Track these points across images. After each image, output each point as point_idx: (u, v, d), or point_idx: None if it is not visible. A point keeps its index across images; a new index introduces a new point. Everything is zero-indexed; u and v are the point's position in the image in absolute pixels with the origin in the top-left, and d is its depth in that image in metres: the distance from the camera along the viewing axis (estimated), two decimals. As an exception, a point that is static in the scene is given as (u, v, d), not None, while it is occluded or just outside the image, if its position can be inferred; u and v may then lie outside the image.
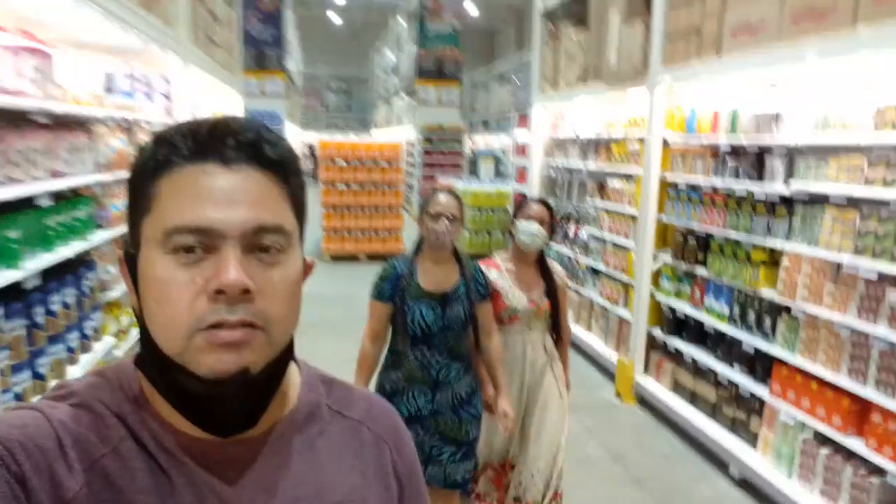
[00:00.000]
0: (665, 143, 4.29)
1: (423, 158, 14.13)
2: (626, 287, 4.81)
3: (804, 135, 3.18)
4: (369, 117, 28.62)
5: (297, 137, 18.91)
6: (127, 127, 3.34)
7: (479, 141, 18.43)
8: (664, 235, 4.41)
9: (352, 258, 9.59)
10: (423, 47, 14.47)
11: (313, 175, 9.38)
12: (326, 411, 0.73)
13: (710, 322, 3.83)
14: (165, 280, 0.57)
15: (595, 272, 5.42)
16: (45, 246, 2.43)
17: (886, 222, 2.69)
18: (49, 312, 2.38)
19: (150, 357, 0.62)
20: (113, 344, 3.02)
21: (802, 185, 3.14)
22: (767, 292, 3.35)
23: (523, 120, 7.25)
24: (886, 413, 2.68)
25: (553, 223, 2.72)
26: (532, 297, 2.68)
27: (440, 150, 14.03)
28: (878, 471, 2.73)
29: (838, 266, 2.94)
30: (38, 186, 2.34)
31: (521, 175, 7.22)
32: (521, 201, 2.80)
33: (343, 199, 9.56)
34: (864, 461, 2.81)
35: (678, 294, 4.22)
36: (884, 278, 2.71)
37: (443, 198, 2.34)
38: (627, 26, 4.54)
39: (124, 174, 3.14)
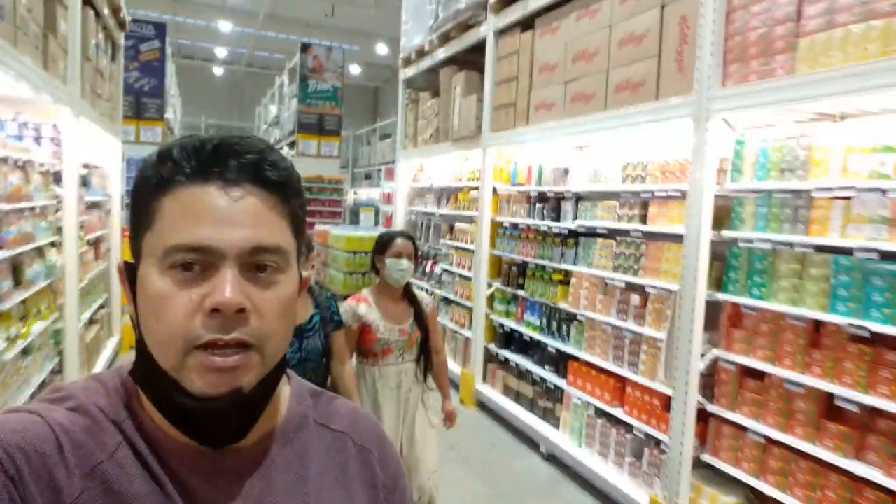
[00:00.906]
0: (495, 191, 5.31)
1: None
2: (470, 311, 5.71)
3: (583, 185, 4.26)
4: (251, 168, 28.58)
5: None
6: (21, 166, 3.78)
7: (362, 192, 19.24)
8: (497, 266, 5.37)
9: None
10: (304, 103, 15.22)
11: None
12: (313, 424, 0.74)
13: (528, 333, 4.78)
14: (163, 296, 0.58)
15: (447, 301, 6.30)
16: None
17: (630, 246, 3.75)
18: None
19: (145, 368, 0.63)
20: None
21: (583, 222, 4.20)
22: (564, 305, 4.35)
23: (390, 173, 8.17)
24: (635, 385, 3.68)
25: (417, 253, 2.82)
26: (403, 328, 2.74)
27: (320, 200, 14.68)
28: (631, 429, 3.70)
29: (604, 281, 3.97)
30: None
31: (388, 220, 8.08)
32: (383, 237, 2.81)
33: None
34: (624, 423, 3.78)
35: (507, 313, 5.16)
36: (629, 287, 3.76)
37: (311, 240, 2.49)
38: (466, 99, 5.59)
39: (22, 204, 3.60)
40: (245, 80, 26.95)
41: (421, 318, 2.79)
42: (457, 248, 6.10)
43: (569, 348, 4.29)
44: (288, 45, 20.14)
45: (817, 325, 2.72)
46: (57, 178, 4.27)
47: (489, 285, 5.34)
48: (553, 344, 4.46)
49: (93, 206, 5.57)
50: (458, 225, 6.16)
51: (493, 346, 5.29)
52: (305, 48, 15.32)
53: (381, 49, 19.98)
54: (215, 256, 0.59)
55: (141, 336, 0.63)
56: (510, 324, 5.05)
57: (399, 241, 2.74)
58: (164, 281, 0.59)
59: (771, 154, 2.89)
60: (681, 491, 3.14)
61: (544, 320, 4.59)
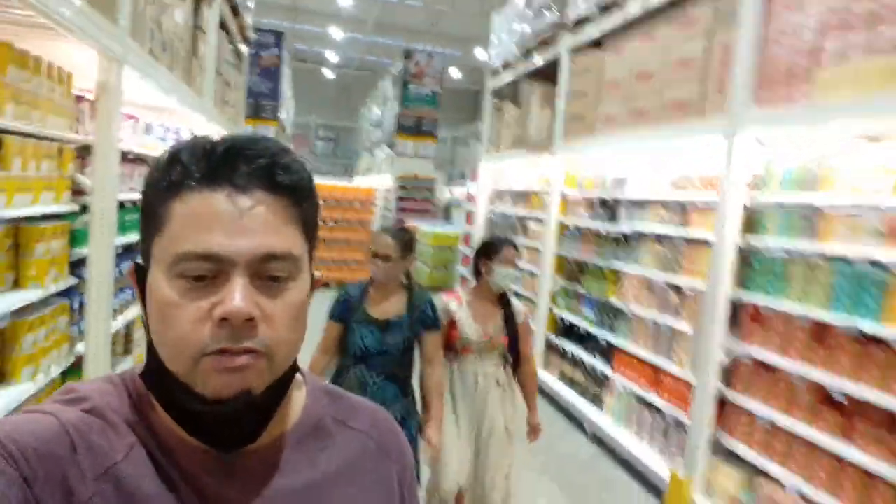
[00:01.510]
0: (563, 195, 5.77)
1: (398, 203, 15.61)
2: (535, 304, 6.20)
3: (637, 193, 4.66)
4: (353, 164, 30.31)
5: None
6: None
7: (457, 191, 20.00)
8: (561, 264, 5.83)
9: (324, 285, 10.87)
10: (404, 106, 16.14)
11: None
12: (331, 423, 0.74)
13: (584, 325, 5.22)
14: (172, 303, 0.58)
15: (516, 295, 6.80)
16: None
17: (672, 249, 4.13)
18: None
19: (155, 371, 0.63)
20: None
21: (635, 226, 4.61)
22: (614, 300, 4.77)
23: (474, 174, 8.77)
24: (668, 374, 4.07)
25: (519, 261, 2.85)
26: (487, 331, 2.78)
27: (413, 197, 15.55)
28: (661, 413, 4.09)
29: (649, 279, 4.36)
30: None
31: (469, 218, 8.69)
32: (492, 242, 2.86)
33: (320, 234, 10.91)
34: (657, 409, 4.17)
35: (568, 307, 5.61)
36: (669, 285, 4.14)
37: (381, 239, 2.51)
38: (541, 109, 6.09)
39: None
40: (353, 82, 28.54)
41: (511, 325, 2.82)
42: (528, 247, 6.60)
43: (616, 339, 4.70)
44: (393, 50, 21.26)
45: (821, 325, 3.03)
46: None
47: (553, 281, 5.81)
48: (602, 335, 4.88)
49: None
50: (530, 225, 6.66)
51: (553, 337, 5.76)
52: (408, 55, 16.23)
53: (481, 54, 20.63)
54: (225, 264, 0.58)
55: (150, 339, 0.62)
56: (570, 317, 5.51)
57: (507, 248, 2.79)
58: (173, 288, 0.59)
59: (794, 171, 3.22)
60: (698, 467, 3.52)
61: (597, 314, 5.02)
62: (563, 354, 5.60)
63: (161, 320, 0.59)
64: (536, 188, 6.54)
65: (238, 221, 0.59)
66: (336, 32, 20.10)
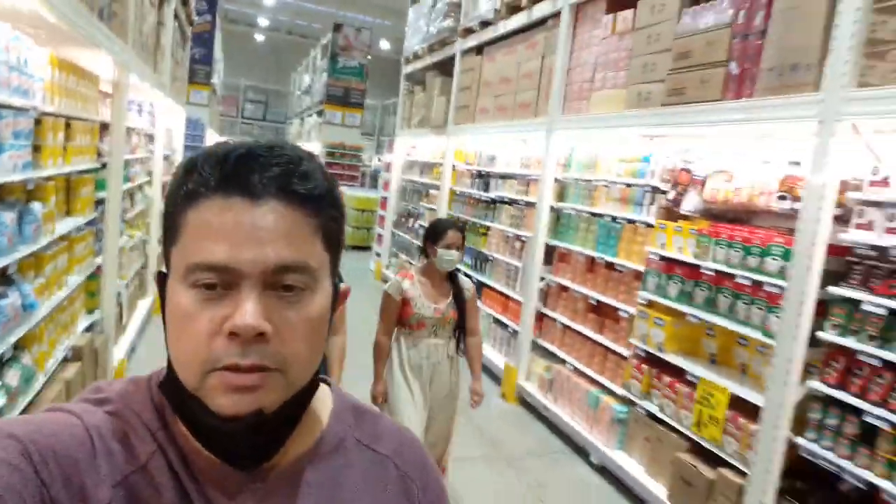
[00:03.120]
0: (454, 168, 7.27)
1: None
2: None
3: (504, 168, 6.21)
4: (284, 128, 30.86)
5: (214, 141, 21.05)
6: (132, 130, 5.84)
7: (386, 159, 21.21)
8: (451, 223, 7.36)
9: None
10: (333, 77, 17.16)
11: None
12: (354, 444, 0.72)
13: (465, 270, 6.77)
14: (186, 314, 0.58)
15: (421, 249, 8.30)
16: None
17: (519, 211, 5.70)
18: None
19: (172, 383, 0.62)
20: None
21: (499, 194, 6.16)
22: (484, 250, 6.34)
23: (391, 146, 10.14)
24: (512, 299, 5.68)
25: (464, 242, 3.00)
26: (438, 307, 2.95)
27: (341, 164, 16.74)
28: (507, 327, 5.71)
29: (504, 233, 5.94)
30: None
31: (386, 185, 10.09)
32: (436, 226, 2.99)
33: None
34: (504, 325, 5.78)
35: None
36: (516, 236, 5.72)
37: None
38: (440, 97, 7.52)
39: (137, 155, 5.66)
40: (284, 46, 28.89)
41: (460, 301, 3.01)
42: (428, 209, 8.10)
43: (486, 280, 6.29)
44: (324, 17, 22.01)
45: (592, 259, 4.68)
46: (150, 138, 6.36)
47: (444, 236, 7.35)
48: (478, 277, 6.47)
49: (165, 157, 7.67)
50: (431, 191, 8.15)
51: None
52: (337, 28, 17.19)
53: (408, 29, 21.66)
54: (236, 276, 0.57)
55: (168, 349, 0.62)
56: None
57: (450, 233, 2.91)
58: (187, 298, 0.58)
59: (583, 159, 4.83)
60: (522, 360, 5.16)
61: (473, 261, 6.60)
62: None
63: (174, 331, 0.59)
64: (436, 161, 8.02)
65: (250, 231, 0.57)
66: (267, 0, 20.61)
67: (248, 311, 0.56)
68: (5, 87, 2.32)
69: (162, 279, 0.63)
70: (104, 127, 3.83)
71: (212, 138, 18.30)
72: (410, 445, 0.78)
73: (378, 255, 10.32)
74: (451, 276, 3.04)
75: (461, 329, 3.04)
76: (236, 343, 0.56)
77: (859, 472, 2.59)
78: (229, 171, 0.58)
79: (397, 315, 2.98)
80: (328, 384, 0.75)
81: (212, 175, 0.59)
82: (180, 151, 8.67)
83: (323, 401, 0.72)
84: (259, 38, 27.86)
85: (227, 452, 0.62)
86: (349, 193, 13.02)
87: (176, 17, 6.78)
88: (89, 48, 3.21)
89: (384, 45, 25.19)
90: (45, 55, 2.84)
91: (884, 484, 2.48)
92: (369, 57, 17.61)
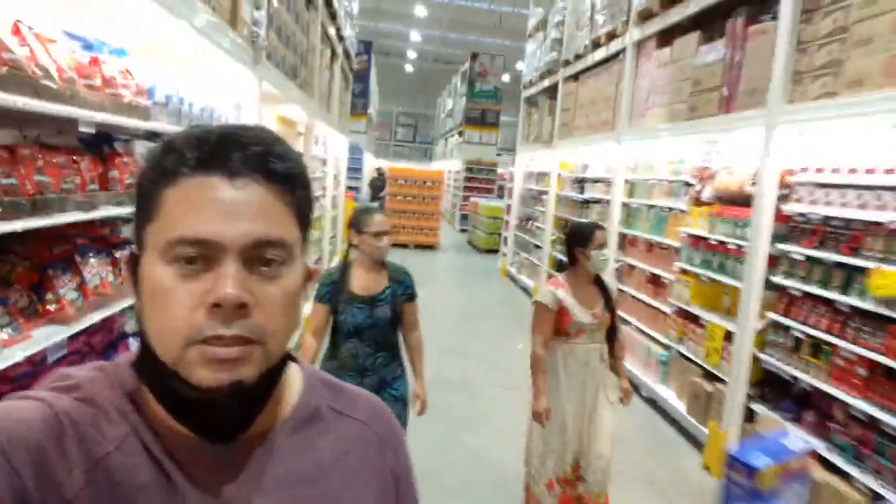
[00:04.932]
0: (559, 176, 8.67)
1: (465, 183, 18.73)
2: (541, 249, 9.11)
3: (594, 174, 7.51)
4: (430, 149, 33.70)
5: (371, 163, 24.00)
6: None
7: (510, 170, 22.81)
8: (556, 221, 8.73)
9: (403, 246, 14.17)
10: (471, 101, 19.11)
11: (385, 191, 14.46)
12: (329, 412, 0.75)
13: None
14: (165, 290, 0.58)
15: (537, 247, 9.75)
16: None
17: (605, 209, 6.97)
18: None
19: (147, 359, 0.63)
20: None
21: (591, 195, 7.46)
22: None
23: (513, 160, 11.72)
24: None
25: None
26: (595, 313, 2.90)
27: (477, 178, 18.61)
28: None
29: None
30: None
31: (510, 194, 11.66)
32: (582, 230, 2.94)
33: (401, 206, 14.23)
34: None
35: (560, 252, 8.50)
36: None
37: (377, 218, 2.60)
38: (548, 116, 8.97)
39: (317, 175, 7.78)
40: (430, 73, 31.73)
41: (610, 303, 2.97)
42: (540, 212, 9.53)
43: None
44: (466, 44, 24.20)
45: (650, 241, 5.84)
46: (323, 162, 8.51)
47: (553, 233, 8.74)
48: (574, 264, 7.77)
49: (334, 177, 9.90)
50: (543, 197, 9.59)
51: (552, 272, 8.70)
52: (474, 56, 19.14)
53: (541, 51, 23.20)
54: (217, 250, 0.58)
55: (143, 328, 0.62)
56: (561, 257, 8.41)
57: (598, 233, 2.89)
58: (166, 274, 0.59)
59: (642, 161, 6.04)
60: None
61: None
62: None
63: (153, 307, 0.60)
64: (547, 171, 9.44)
65: (231, 207, 0.59)
66: (415, 35, 23.21)
67: (230, 282, 0.57)
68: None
69: (133, 260, 0.64)
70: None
71: (368, 160, 21.12)
72: (382, 412, 0.81)
73: (504, 255, 11.87)
74: (598, 279, 3.01)
75: (612, 331, 3.02)
76: (218, 315, 0.57)
77: (806, 377, 3.66)
78: (210, 150, 0.60)
79: (553, 325, 2.92)
80: (295, 360, 0.77)
81: (191, 154, 0.60)
82: (344, 172, 10.93)
83: (293, 375, 0.74)
84: (408, 68, 30.86)
85: (203, 426, 0.63)
86: (484, 203, 14.76)
87: (342, 69, 8.94)
88: (292, 105, 5.16)
89: (520, 66, 26.87)
90: (273, 114, 4.79)
91: (820, 385, 3.52)
92: (501, 83, 19.27)
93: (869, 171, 3.26)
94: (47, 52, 1.66)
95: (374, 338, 2.60)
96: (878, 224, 3.14)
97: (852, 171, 3.38)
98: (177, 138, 0.62)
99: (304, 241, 0.68)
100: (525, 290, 9.86)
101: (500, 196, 17.53)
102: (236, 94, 3.68)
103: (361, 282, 2.62)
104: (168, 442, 0.63)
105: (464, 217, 18.38)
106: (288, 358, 0.70)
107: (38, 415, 0.58)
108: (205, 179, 0.60)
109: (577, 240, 2.93)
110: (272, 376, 0.65)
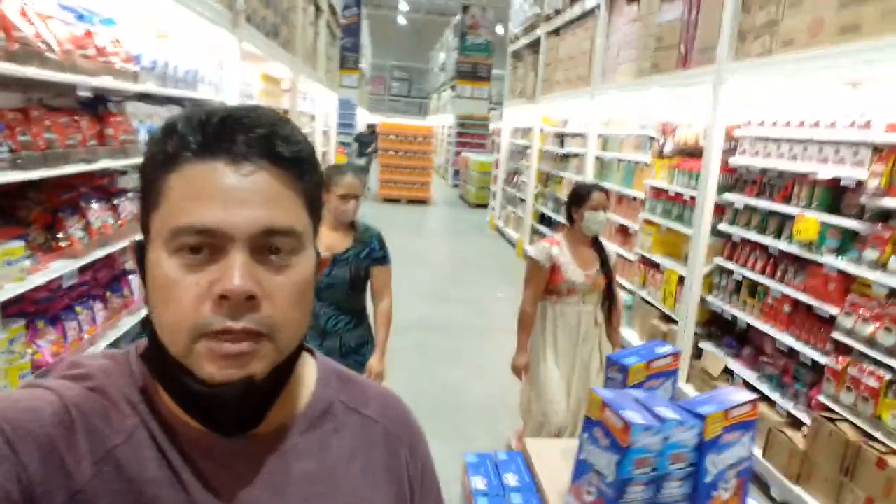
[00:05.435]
0: (542, 130, 8.91)
1: (457, 138, 18.87)
2: (524, 202, 9.42)
3: (571, 129, 7.77)
4: (425, 104, 33.55)
5: (364, 118, 24.03)
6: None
7: (497, 125, 22.89)
8: (539, 175, 9.01)
9: (395, 201, 14.47)
10: (462, 54, 19.06)
11: (375, 147, 14.47)
12: (341, 408, 0.73)
13: (550, 214, 8.44)
14: (171, 281, 0.57)
15: (522, 200, 10.07)
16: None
17: (580, 162, 7.26)
18: None
19: (156, 352, 0.61)
20: None
21: (569, 149, 7.74)
22: (559, 195, 7.95)
23: (501, 115, 11.91)
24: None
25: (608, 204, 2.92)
26: (589, 273, 2.88)
27: (469, 133, 18.75)
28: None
29: (570, 180, 7.52)
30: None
31: (498, 148, 11.90)
32: (580, 189, 2.93)
33: (393, 161, 14.47)
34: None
35: (543, 203, 8.82)
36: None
37: (349, 180, 2.47)
38: (531, 72, 9.14)
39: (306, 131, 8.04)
40: (423, 25, 31.31)
41: (606, 266, 2.94)
42: (525, 166, 9.81)
43: (559, 219, 7.91)
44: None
45: (621, 194, 6.16)
46: (312, 118, 8.73)
47: (536, 187, 9.04)
48: (556, 219, 8.10)
49: (324, 133, 10.11)
50: (528, 151, 9.84)
51: (535, 224, 9.03)
52: (465, 9, 18.98)
53: (535, 2, 22.89)
54: (223, 239, 0.56)
55: (151, 319, 0.61)
56: (542, 209, 8.73)
57: (595, 194, 2.85)
58: (171, 264, 0.57)
59: (616, 117, 6.31)
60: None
61: (552, 204, 8.24)
62: (535, 232, 8.88)
63: (159, 298, 0.58)
64: (531, 126, 9.68)
65: (237, 193, 0.57)
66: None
67: (237, 273, 0.55)
68: (247, 97, 4.49)
69: (140, 248, 0.62)
70: (285, 113, 6.07)
71: (361, 115, 21.17)
72: (396, 406, 0.79)
73: (493, 209, 12.19)
74: (596, 242, 2.98)
75: (609, 296, 3.00)
76: (225, 307, 0.55)
77: (743, 316, 4.03)
78: (212, 134, 0.58)
79: (545, 283, 2.90)
80: (310, 351, 0.75)
81: (194, 138, 0.58)
82: (334, 128, 11.13)
83: (307, 367, 0.72)
84: (401, 20, 30.44)
85: (213, 421, 0.61)
86: (474, 158, 14.99)
87: (327, 24, 9.07)
88: (275, 62, 5.40)
89: (499, 30, 26.59)
90: (257, 73, 5.03)
91: (754, 322, 3.89)
92: (493, 35, 19.18)
93: (799, 126, 3.56)
94: (47, 27, 1.95)
95: (332, 298, 2.52)
96: (803, 175, 3.46)
97: (786, 125, 3.68)
98: (178, 120, 0.60)
99: (315, 227, 0.65)
100: (511, 242, 10.23)
101: (493, 151, 17.73)
102: (219, 55, 3.93)
103: (324, 239, 2.49)
104: (179, 435, 0.62)
105: (457, 172, 18.60)
106: (301, 349, 0.68)
107: (46, 405, 0.57)
108: (209, 164, 0.58)
109: (575, 199, 2.93)
110: (284, 371, 0.63)
